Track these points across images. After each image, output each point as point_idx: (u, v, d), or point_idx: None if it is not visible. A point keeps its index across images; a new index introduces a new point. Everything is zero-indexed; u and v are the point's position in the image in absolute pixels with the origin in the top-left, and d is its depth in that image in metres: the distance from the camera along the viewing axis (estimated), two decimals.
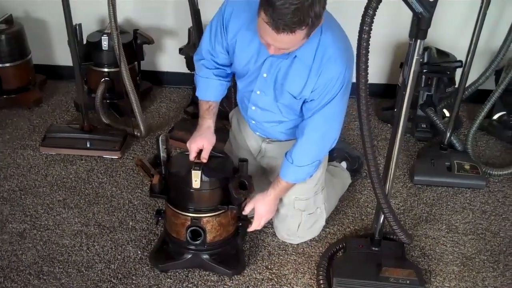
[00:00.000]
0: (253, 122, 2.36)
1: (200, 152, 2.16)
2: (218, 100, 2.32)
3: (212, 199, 2.14)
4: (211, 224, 2.16)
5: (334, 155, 2.76)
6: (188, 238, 2.17)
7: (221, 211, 2.16)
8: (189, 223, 2.16)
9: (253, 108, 2.26)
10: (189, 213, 2.15)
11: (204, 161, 2.14)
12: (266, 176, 2.50)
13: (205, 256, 2.21)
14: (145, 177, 2.22)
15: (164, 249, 2.30)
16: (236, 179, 2.14)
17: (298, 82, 2.02)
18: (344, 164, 2.81)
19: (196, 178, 2.06)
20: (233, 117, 2.61)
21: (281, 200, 2.37)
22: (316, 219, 2.43)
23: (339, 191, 2.69)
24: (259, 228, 2.30)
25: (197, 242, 2.18)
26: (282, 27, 1.68)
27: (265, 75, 2.08)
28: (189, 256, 2.22)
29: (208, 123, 2.26)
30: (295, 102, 2.10)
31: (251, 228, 2.29)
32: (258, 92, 2.17)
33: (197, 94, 2.30)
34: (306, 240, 2.45)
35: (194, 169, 2.06)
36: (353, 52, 1.80)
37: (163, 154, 2.20)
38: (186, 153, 2.18)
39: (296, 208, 2.37)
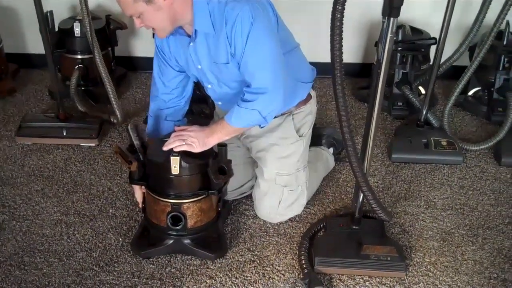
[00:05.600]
0: (220, 103, 2.41)
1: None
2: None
3: (191, 184, 2.13)
4: (192, 210, 2.16)
5: (323, 141, 2.77)
6: (169, 223, 2.17)
7: (201, 197, 2.16)
8: (169, 209, 2.15)
9: (219, 103, 2.39)
10: (169, 199, 2.14)
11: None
12: (251, 163, 2.53)
13: (187, 241, 2.21)
14: (123, 164, 2.20)
15: (145, 235, 2.29)
16: (215, 164, 2.13)
17: (219, 49, 2.06)
18: (331, 150, 2.81)
19: (175, 164, 2.05)
20: None
21: (262, 175, 2.39)
22: (297, 197, 2.44)
23: (321, 174, 2.70)
24: (173, 145, 2.09)
25: (178, 227, 2.18)
26: None
27: (199, 66, 2.16)
28: (171, 241, 2.21)
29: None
30: (234, 70, 2.11)
31: (167, 143, 2.13)
32: (209, 86, 2.26)
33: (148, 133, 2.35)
34: (286, 219, 2.46)
35: (173, 155, 2.05)
36: None
37: (136, 142, 2.19)
38: (165, 139, 2.17)
39: (277, 184, 2.38)
